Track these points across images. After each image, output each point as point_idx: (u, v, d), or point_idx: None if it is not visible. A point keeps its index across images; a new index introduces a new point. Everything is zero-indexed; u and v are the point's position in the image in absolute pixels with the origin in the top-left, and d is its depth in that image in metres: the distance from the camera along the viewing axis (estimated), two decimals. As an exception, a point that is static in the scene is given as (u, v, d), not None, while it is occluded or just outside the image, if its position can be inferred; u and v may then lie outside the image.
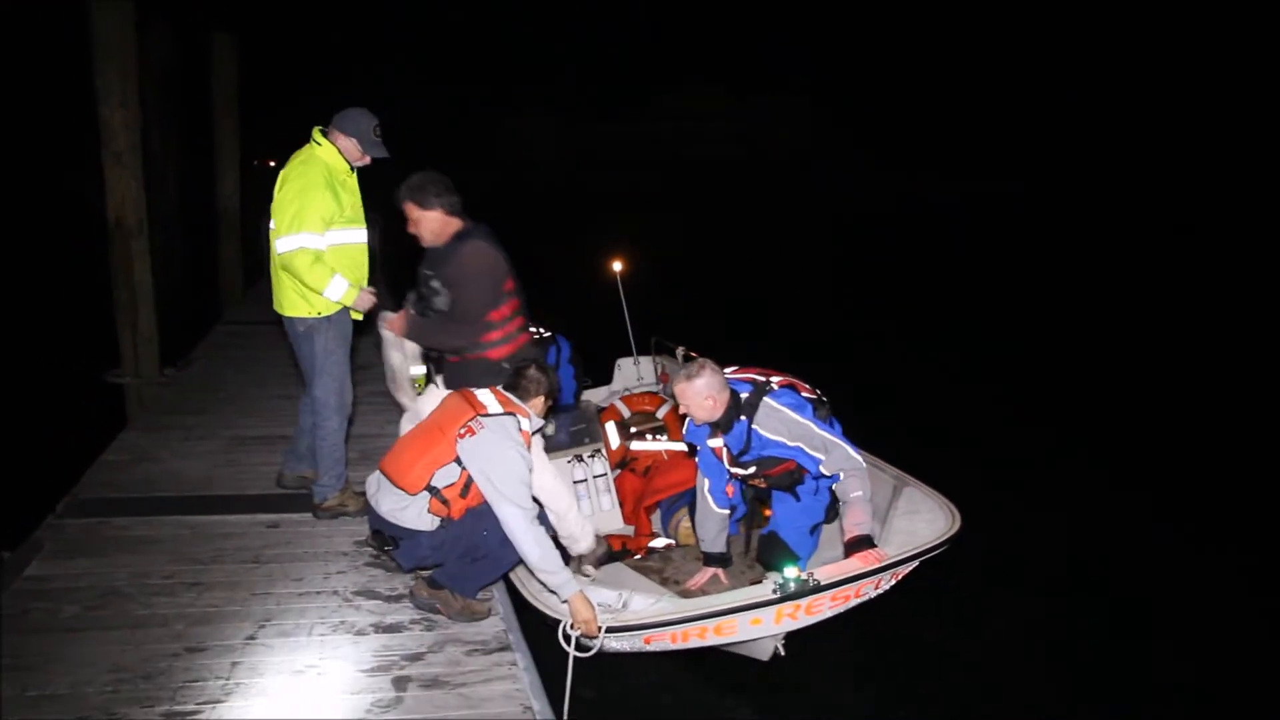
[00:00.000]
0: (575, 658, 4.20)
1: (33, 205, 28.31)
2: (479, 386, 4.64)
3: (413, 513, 4.28)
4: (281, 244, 4.96)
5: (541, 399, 4.59)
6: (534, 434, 4.53)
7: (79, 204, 9.46)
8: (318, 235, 4.99)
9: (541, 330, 7.15)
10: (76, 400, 9.62)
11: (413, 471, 4.23)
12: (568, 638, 4.21)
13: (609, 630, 4.23)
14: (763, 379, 4.89)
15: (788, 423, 4.68)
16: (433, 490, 4.24)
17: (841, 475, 4.68)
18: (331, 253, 5.09)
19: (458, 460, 4.22)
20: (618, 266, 7.83)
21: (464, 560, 4.35)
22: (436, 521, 4.31)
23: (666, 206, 39.28)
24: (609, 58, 66.35)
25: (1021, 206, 40.29)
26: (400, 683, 3.89)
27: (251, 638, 4.21)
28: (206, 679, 3.85)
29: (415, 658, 4.09)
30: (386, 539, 4.41)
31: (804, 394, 4.93)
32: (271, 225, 5.05)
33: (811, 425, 4.68)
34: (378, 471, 4.50)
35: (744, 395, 4.75)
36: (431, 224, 4.88)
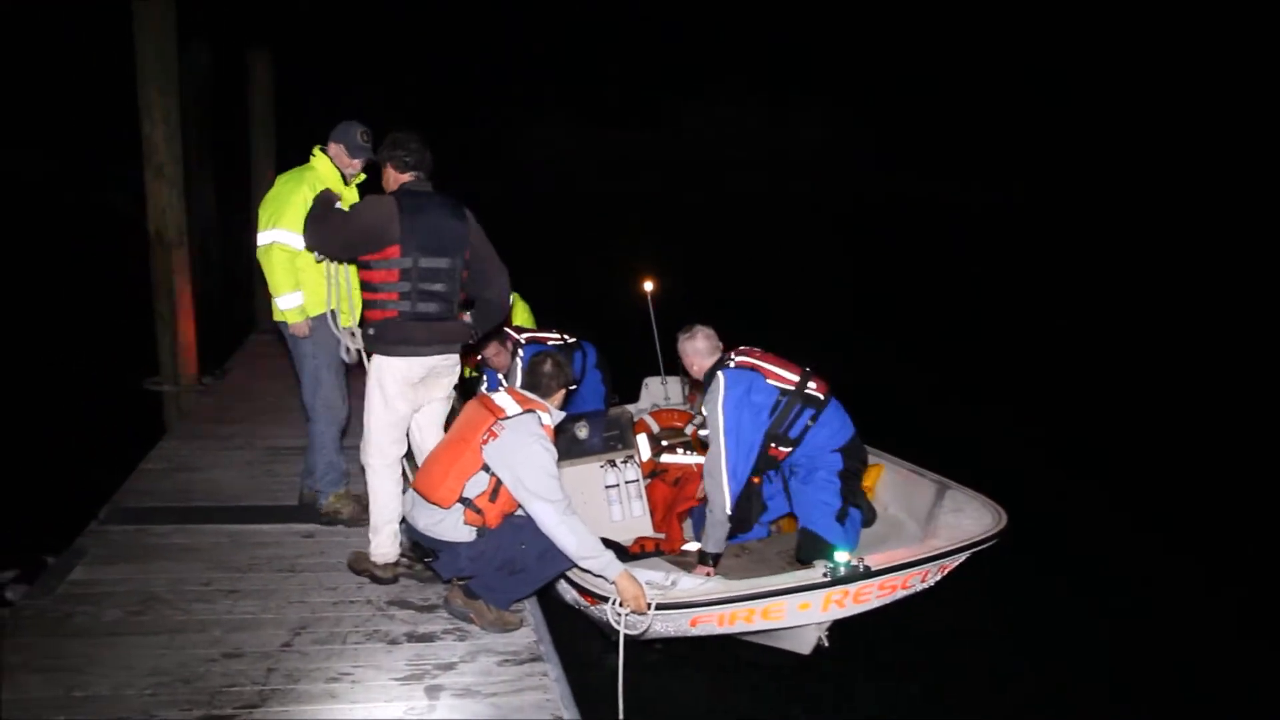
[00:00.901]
0: (625, 637, 4.26)
1: (77, 218, 28.77)
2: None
3: (449, 525, 4.33)
4: (260, 238, 5.16)
5: (561, 393, 4.63)
6: (555, 427, 4.56)
7: (121, 217, 9.65)
8: (295, 234, 5.08)
9: (566, 336, 7.28)
10: (117, 407, 9.80)
11: (444, 485, 4.28)
12: (617, 617, 4.25)
13: (658, 607, 4.26)
14: (727, 355, 5.26)
15: (712, 407, 5.04)
16: (465, 501, 4.28)
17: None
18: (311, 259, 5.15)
19: (485, 468, 4.26)
20: (648, 286, 7.85)
21: (501, 572, 4.39)
22: (474, 532, 4.36)
23: (693, 216, 39.29)
24: (632, 64, 66.44)
25: (1051, 213, 40.17)
26: (433, 691, 3.94)
27: (287, 645, 4.27)
28: (243, 684, 3.92)
29: (448, 667, 4.14)
30: (426, 551, 4.46)
31: (771, 380, 5.13)
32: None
33: (720, 422, 5.00)
34: (411, 489, 4.54)
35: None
36: (385, 179, 4.77)
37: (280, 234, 5.11)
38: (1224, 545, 7.82)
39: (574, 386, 5.15)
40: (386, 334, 4.63)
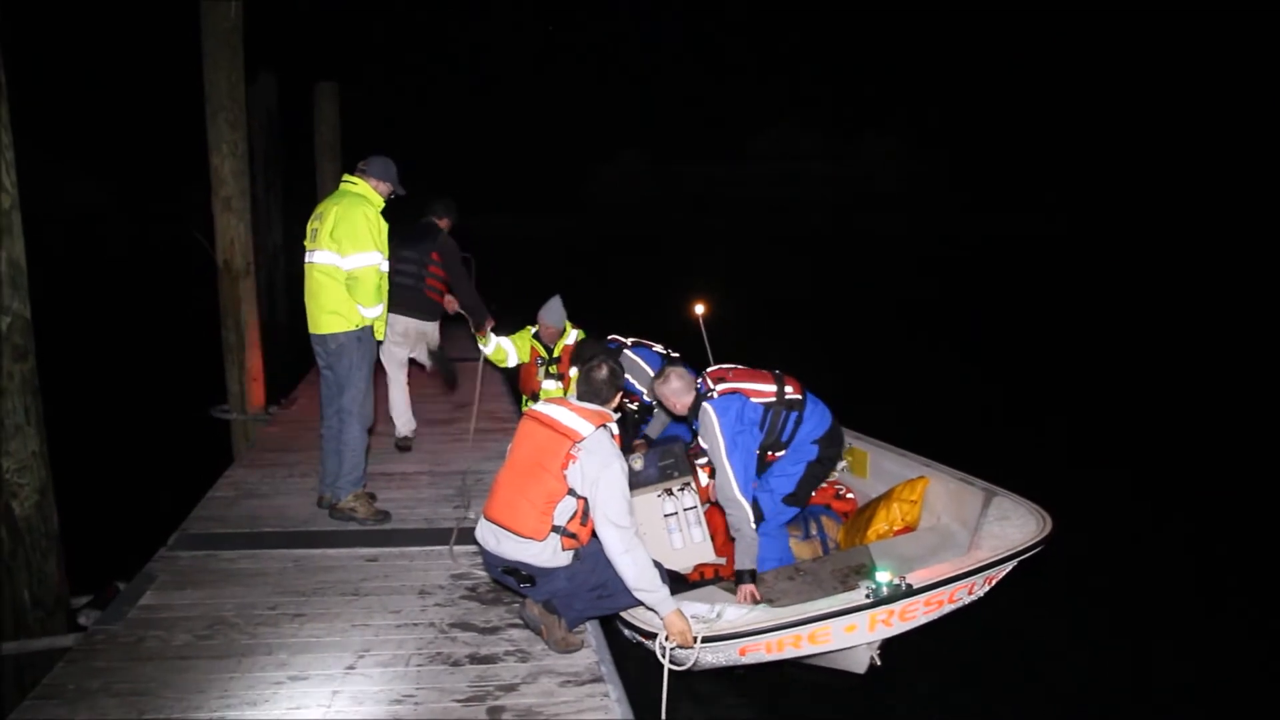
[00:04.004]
0: (671, 671, 4.27)
1: (146, 249, 29.45)
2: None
3: (548, 555, 4.32)
4: (361, 259, 5.79)
5: (618, 397, 4.65)
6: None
7: (189, 247, 9.88)
8: (383, 256, 5.92)
9: (672, 352, 7.36)
10: (186, 435, 9.99)
11: (534, 519, 4.27)
12: (663, 650, 4.27)
13: (704, 640, 4.29)
14: (705, 388, 5.48)
15: (711, 437, 5.24)
16: (559, 530, 4.28)
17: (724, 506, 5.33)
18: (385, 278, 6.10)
19: (571, 492, 4.27)
20: (700, 309, 7.83)
21: (593, 594, 4.42)
22: (571, 555, 4.39)
23: (760, 248, 39.38)
24: (704, 99, 66.91)
25: (1129, 240, 39.73)
26: (495, 712, 3.95)
27: (351, 668, 4.31)
28: (309, 707, 3.97)
29: (509, 688, 4.15)
30: (523, 577, 4.43)
31: (754, 399, 5.39)
32: (325, 251, 5.85)
33: (721, 448, 5.22)
34: (487, 522, 4.51)
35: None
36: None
37: (377, 257, 5.84)
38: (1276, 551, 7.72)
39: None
40: None
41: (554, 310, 7.63)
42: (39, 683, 4.14)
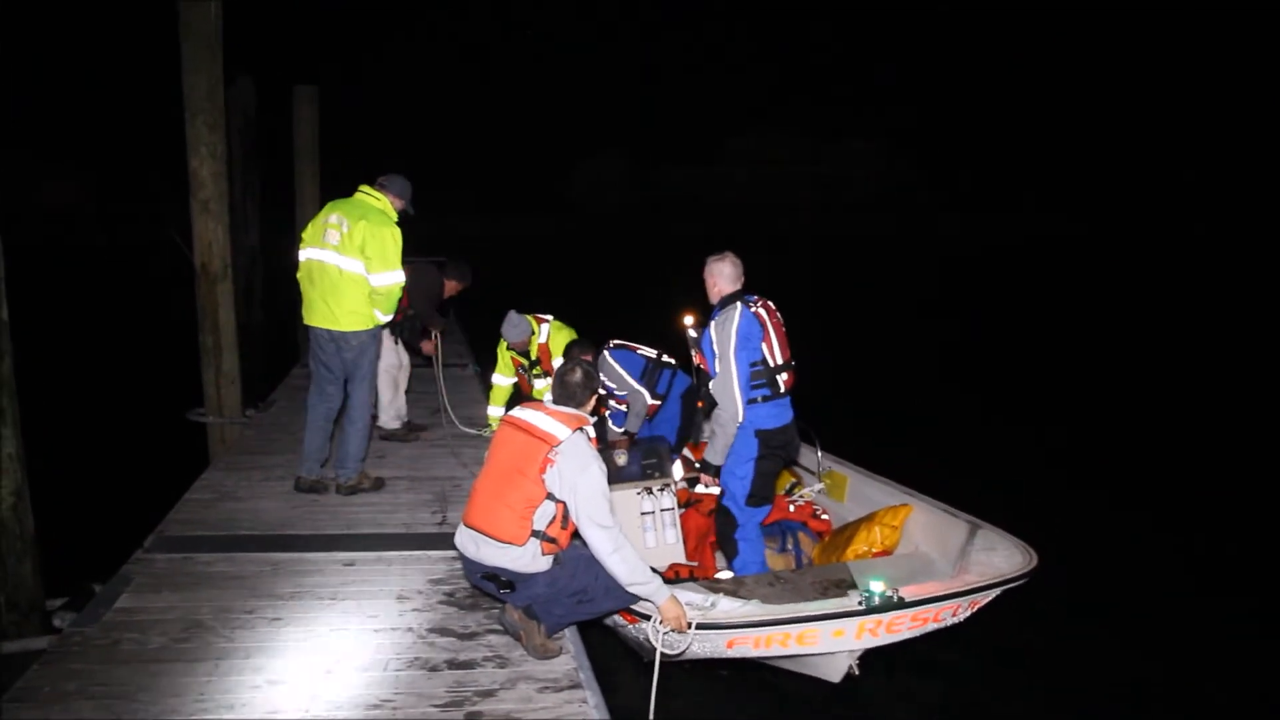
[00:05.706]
0: (662, 655, 4.32)
1: (123, 251, 29.26)
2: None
3: (527, 559, 4.32)
4: (390, 277, 6.35)
5: (593, 400, 4.67)
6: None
7: (167, 250, 9.83)
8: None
9: (665, 356, 7.39)
10: (162, 438, 9.94)
11: (514, 523, 4.26)
12: (656, 634, 4.33)
13: (698, 627, 4.34)
14: (750, 298, 5.55)
15: (723, 336, 5.36)
16: (538, 534, 4.28)
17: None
18: None
19: (550, 496, 4.27)
20: (689, 320, 7.84)
21: (571, 600, 4.41)
22: (551, 560, 4.39)
23: (743, 250, 39.45)
24: (682, 101, 67.13)
25: (1108, 245, 40.00)
26: (473, 718, 3.96)
27: (329, 672, 4.30)
28: (286, 711, 3.96)
29: (488, 694, 4.16)
30: (503, 582, 4.43)
31: (764, 344, 5.45)
32: (353, 260, 6.28)
33: (730, 353, 5.35)
34: (466, 529, 4.50)
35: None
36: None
37: (401, 275, 6.43)
38: (1261, 585, 7.73)
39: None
40: None
41: (513, 327, 7.69)
42: (13, 685, 4.11)
